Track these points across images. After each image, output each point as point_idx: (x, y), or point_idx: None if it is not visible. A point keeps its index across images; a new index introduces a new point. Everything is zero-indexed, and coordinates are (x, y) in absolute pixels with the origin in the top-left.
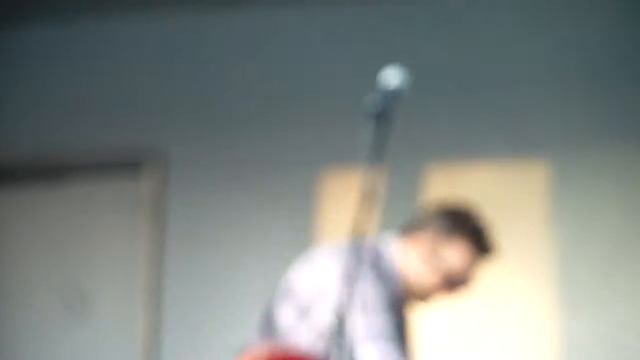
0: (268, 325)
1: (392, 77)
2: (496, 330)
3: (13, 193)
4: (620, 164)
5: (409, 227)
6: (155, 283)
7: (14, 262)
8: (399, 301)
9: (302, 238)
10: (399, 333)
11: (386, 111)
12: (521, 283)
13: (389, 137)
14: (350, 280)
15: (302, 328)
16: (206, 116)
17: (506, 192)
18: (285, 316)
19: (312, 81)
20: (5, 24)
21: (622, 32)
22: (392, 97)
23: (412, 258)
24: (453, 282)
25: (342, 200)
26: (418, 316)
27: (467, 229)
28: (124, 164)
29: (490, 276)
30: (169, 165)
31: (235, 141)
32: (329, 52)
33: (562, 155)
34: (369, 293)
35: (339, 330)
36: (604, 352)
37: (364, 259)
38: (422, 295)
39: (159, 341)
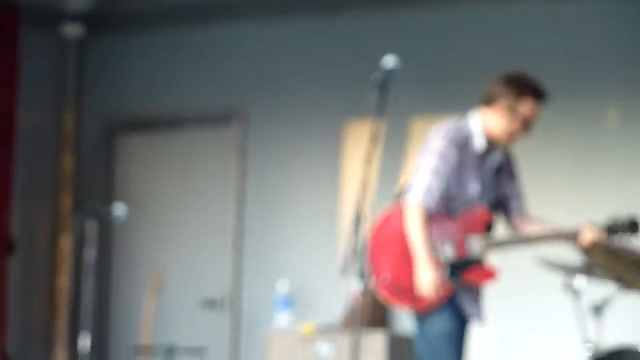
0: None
1: (389, 61)
2: None
3: (137, 140)
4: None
5: (486, 100)
6: (237, 204)
7: (139, 198)
8: (482, 158)
9: (333, 169)
10: (479, 174)
11: (386, 82)
12: None
13: (387, 99)
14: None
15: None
16: (274, 85)
17: None
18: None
19: (343, 69)
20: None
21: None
22: (389, 73)
23: (494, 119)
24: (528, 125)
25: (360, 142)
26: None
27: (528, 87)
28: (219, 119)
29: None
30: (249, 120)
31: (292, 106)
32: (356, 52)
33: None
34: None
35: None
36: None
37: (447, 128)
38: (506, 140)
39: (243, 241)
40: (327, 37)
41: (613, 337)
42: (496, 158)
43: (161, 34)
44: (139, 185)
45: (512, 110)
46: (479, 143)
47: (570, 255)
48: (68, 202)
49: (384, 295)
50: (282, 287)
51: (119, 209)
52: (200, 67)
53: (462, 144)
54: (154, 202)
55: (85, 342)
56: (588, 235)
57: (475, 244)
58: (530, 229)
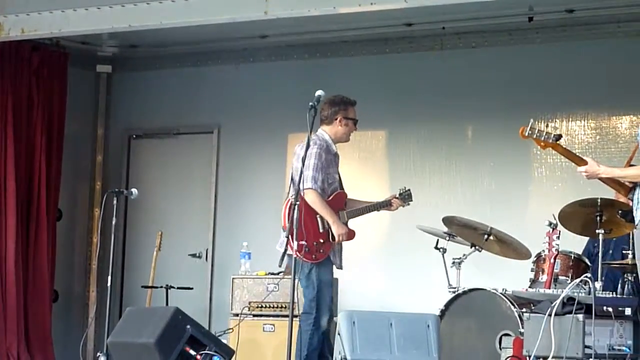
0: (292, 184)
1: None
2: None
3: (147, 144)
4: None
5: (325, 119)
6: (215, 188)
7: (148, 184)
8: (335, 156)
9: (280, 165)
10: (337, 170)
11: (315, 107)
12: None
13: (315, 117)
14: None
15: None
16: (240, 109)
17: None
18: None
19: (288, 98)
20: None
21: None
22: (318, 101)
23: (338, 129)
24: (355, 124)
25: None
26: None
27: (347, 101)
28: (204, 131)
29: None
30: (223, 131)
31: (253, 122)
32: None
33: None
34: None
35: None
36: None
37: (316, 142)
38: (347, 138)
39: (216, 212)
40: (277, 76)
41: (467, 282)
42: (338, 159)
43: (164, 72)
44: (147, 175)
45: (346, 118)
46: (333, 147)
47: (440, 225)
48: (99, 186)
49: (300, 255)
50: (244, 246)
51: (133, 191)
52: (191, 96)
53: (326, 149)
54: (158, 187)
55: (109, 281)
56: (395, 203)
57: (342, 215)
58: (357, 204)
